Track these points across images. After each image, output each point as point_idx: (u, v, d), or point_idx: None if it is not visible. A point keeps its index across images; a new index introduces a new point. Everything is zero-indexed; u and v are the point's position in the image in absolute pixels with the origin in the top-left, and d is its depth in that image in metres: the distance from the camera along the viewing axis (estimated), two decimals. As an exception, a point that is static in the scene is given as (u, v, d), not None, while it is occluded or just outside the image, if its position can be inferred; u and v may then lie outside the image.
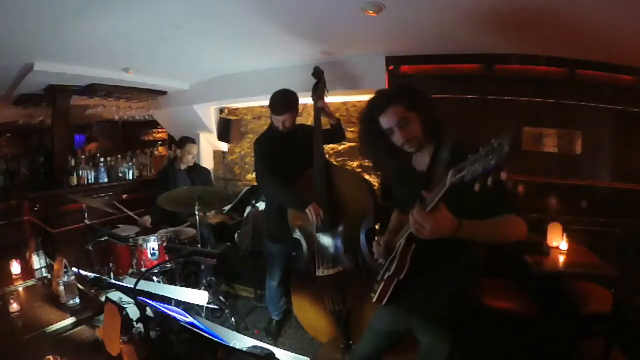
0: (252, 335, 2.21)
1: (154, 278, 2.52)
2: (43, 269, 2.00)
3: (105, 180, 3.84)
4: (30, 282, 1.87)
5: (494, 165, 0.80)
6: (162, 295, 1.46)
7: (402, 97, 1.29)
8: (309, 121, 2.38)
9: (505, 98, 2.76)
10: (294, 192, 2.25)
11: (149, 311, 1.27)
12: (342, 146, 3.67)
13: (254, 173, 2.70)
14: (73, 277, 1.61)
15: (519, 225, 1.16)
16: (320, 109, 2.34)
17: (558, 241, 2.34)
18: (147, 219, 3.18)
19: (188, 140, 3.33)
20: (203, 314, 2.40)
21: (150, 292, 1.35)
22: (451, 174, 0.96)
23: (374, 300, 1.40)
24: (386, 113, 1.29)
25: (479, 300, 1.44)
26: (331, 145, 3.57)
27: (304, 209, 2.16)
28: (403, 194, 1.44)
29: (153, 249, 2.53)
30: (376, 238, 1.42)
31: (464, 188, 0.93)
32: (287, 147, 2.34)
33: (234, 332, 1.23)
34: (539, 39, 2.33)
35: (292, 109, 2.27)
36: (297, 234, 2.30)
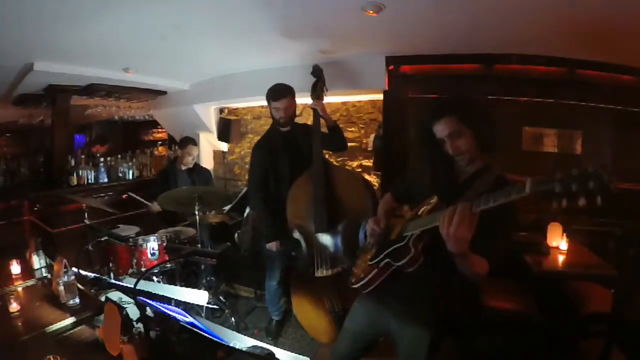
0: (252, 335, 2.21)
1: (154, 278, 2.52)
2: (43, 269, 2.00)
3: (105, 180, 3.84)
4: (30, 282, 1.86)
5: (592, 189, 0.78)
6: (162, 295, 1.46)
7: (456, 108, 1.28)
8: (309, 121, 2.37)
9: (505, 98, 2.76)
10: (271, 223, 2.37)
11: (149, 311, 1.27)
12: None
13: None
14: (73, 277, 1.61)
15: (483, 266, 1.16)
16: (313, 109, 2.31)
17: (558, 241, 2.34)
18: (156, 205, 3.15)
19: (189, 142, 3.32)
20: (203, 314, 2.40)
21: (150, 292, 1.36)
22: (533, 183, 0.87)
23: (355, 286, 1.36)
24: (439, 123, 1.28)
25: (476, 298, 1.45)
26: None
27: (267, 242, 2.37)
28: (435, 190, 1.33)
29: (153, 249, 2.53)
30: (371, 219, 1.44)
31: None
32: (287, 148, 2.33)
33: (234, 332, 1.23)
34: (539, 38, 2.32)
35: (288, 94, 2.28)
36: (297, 234, 2.30)
